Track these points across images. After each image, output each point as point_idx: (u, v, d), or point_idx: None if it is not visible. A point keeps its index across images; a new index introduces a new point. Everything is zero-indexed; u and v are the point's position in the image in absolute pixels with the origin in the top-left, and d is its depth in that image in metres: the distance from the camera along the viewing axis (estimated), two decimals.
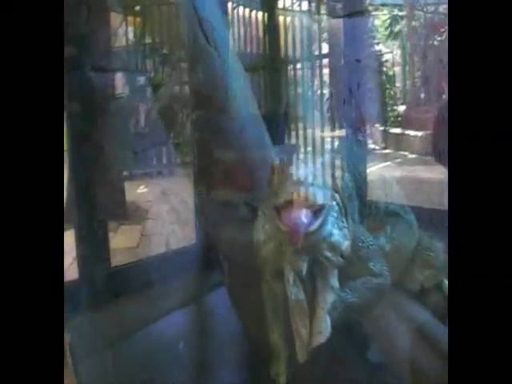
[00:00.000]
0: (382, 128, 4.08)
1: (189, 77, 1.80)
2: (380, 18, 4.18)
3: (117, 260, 2.81)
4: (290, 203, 1.25)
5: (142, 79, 4.98)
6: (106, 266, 2.70)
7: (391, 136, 3.97)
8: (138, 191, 4.45)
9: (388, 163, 3.69)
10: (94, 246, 2.62)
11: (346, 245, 1.38)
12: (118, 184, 3.85)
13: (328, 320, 1.38)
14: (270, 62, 3.28)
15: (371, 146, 3.87)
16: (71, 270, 2.72)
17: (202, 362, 1.70)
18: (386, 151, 3.93)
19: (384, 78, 4.02)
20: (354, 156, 1.72)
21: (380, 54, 4.09)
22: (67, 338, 0.72)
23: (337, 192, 1.40)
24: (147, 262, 2.98)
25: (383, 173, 3.41)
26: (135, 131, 4.61)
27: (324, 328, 1.37)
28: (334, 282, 1.39)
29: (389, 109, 4.02)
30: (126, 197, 3.95)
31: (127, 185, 4.03)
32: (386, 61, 4.08)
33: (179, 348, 1.71)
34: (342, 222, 1.39)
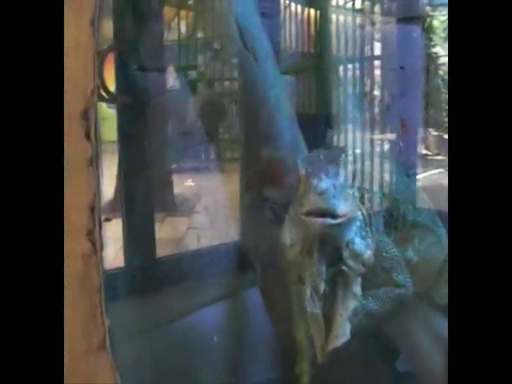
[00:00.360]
0: (436, 133, 4.00)
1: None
2: (438, 19, 4.08)
3: (162, 251, 2.86)
4: (311, 213, 1.28)
5: (193, 73, 5.06)
6: (151, 255, 2.76)
7: (445, 141, 3.88)
8: (186, 184, 4.51)
9: (441, 170, 3.61)
10: (140, 236, 2.68)
11: (368, 254, 1.41)
12: (166, 176, 3.92)
13: (347, 326, 1.42)
14: (320, 62, 3.27)
15: (423, 151, 3.80)
16: (118, 257, 2.80)
17: (232, 357, 1.73)
18: (439, 157, 3.86)
19: (440, 81, 3.91)
20: (393, 165, 1.72)
21: (436, 57, 3.99)
22: (107, 322, 0.73)
23: (362, 203, 1.43)
24: (191, 254, 3.03)
25: (434, 179, 3.35)
26: (185, 125, 4.68)
27: (341, 333, 1.41)
28: (357, 289, 1.43)
29: (444, 114, 3.92)
30: (173, 189, 4.02)
31: (175, 177, 4.09)
32: (443, 64, 3.97)
33: (212, 341, 1.75)
34: (366, 231, 1.42)
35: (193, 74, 5.04)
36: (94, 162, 0.67)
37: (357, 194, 1.41)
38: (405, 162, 2.24)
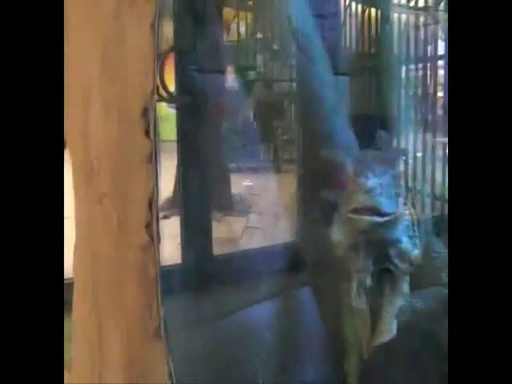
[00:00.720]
0: None
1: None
2: None
3: (219, 249, 2.91)
4: (358, 211, 1.30)
5: (252, 74, 5.10)
6: (208, 253, 2.81)
7: None
8: (244, 184, 4.55)
9: None
10: (197, 233, 2.74)
11: (415, 253, 1.41)
12: (224, 176, 3.97)
13: (393, 322, 1.42)
14: (381, 62, 3.23)
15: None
16: (176, 254, 2.87)
17: (284, 353, 1.75)
18: None
19: None
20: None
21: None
22: (162, 312, 0.76)
23: (410, 203, 1.43)
24: (247, 253, 3.06)
25: None
26: (243, 126, 4.73)
27: (387, 329, 1.42)
28: (405, 287, 1.43)
29: None
30: (231, 189, 4.07)
31: (234, 177, 4.14)
32: None
33: (264, 336, 1.77)
34: (414, 231, 1.42)
35: (252, 74, 5.09)
36: (153, 159, 0.70)
37: (404, 194, 1.40)
38: None
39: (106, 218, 0.77)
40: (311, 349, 1.76)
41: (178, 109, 2.66)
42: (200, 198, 2.80)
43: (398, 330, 1.42)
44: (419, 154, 3.36)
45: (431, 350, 1.50)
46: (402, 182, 1.40)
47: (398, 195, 1.36)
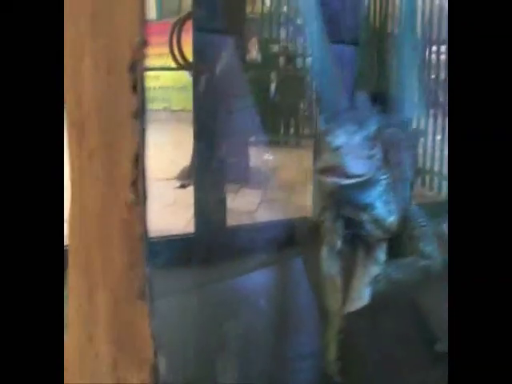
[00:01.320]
0: None
1: None
2: None
3: (233, 220, 2.92)
4: (324, 171, 1.26)
5: (275, 47, 5.03)
6: (221, 224, 2.82)
7: None
8: (263, 158, 4.53)
9: None
10: (210, 204, 2.73)
11: (390, 220, 1.38)
12: (242, 148, 3.95)
13: (365, 290, 1.38)
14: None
15: None
16: (190, 224, 2.88)
17: (276, 322, 1.75)
18: None
19: None
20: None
21: None
22: (147, 272, 0.76)
23: (389, 167, 1.37)
24: (261, 226, 3.06)
25: None
26: (265, 99, 4.69)
27: (357, 297, 1.38)
28: (381, 255, 1.40)
29: None
30: (249, 161, 4.05)
31: (253, 150, 4.12)
32: None
33: (260, 303, 1.77)
34: (389, 196, 1.38)
35: (275, 47, 5.03)
36: (139, 114, 0.69)
37: (379, 157, 1.35)
38: None
39: (94, 174, 0.77)
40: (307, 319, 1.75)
41: (194, 78, 2.65)
42: (215, 169, 2.80)
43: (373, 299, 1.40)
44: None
45: (408, 321, 1.48)
46: (376, 144, 1.35)
47: (371, 157, 1.32)
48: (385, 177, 1.37)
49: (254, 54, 4.89)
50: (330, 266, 1.40)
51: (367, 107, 1.49)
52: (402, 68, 1.63)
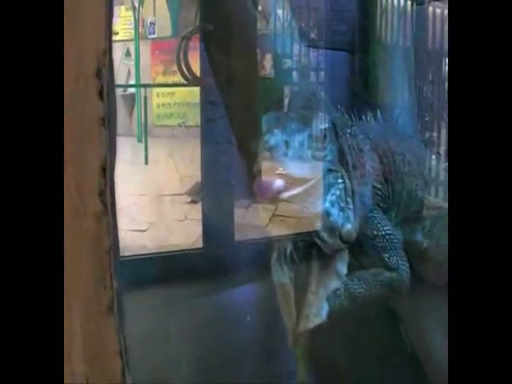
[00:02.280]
0: None
1: None
2: None
3: (243, 235, 2.89)
4: (259, 173, 1.18)
5: (288, 62, 5.02)
6: (230, 238, 2.79)
7: None
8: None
9: None
10: (219, 219, 2.72)
11: (347, 228, 1.27)
12: (254, 163, 3.92)
13: (322, 306, 1.30)
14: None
15: None
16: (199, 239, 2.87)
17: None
18: None
19: None
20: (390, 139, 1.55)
21: None
22: (115, 285, 0.73)
23: (346, 171, 1.27)
24: (270, 241, 3.02)
25: None
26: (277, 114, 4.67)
27: (312, 313, 1.28)
28: (341, 267, 1.29)
29: None
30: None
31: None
32: None
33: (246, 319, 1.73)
34: (347, 202, 1.27)
35: (288, 62, 5.01)
36: (106, 122, 0.67)
37: (330, 158, 1.25)
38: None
39: (67, 184, 0.75)
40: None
41: (201, 93, 2.65)
42: (224, 184, 2.78)
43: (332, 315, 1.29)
44: None
45: (371, 338, 1.39)
46: (327, 145, 1.26)
47: (318, 158, 1.23)
48: (341, 181, 1.28)
49: (267, 69, 4.87)
50: (281, 274, 1.31)
51: (322, 105, 1.39)
52: (394, 74, 1.58)
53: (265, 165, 1.19)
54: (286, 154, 1.16)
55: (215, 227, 2.79)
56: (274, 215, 3.79)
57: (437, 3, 3.09)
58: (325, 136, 1.25)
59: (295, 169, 1.17)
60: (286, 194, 1.16)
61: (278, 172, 1.17)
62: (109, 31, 0.66)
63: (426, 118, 2.66)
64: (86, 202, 0.70)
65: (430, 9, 3.11)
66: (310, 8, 2.72)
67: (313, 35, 2.57)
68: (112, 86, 0.67)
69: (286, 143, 1.16)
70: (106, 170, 0.68)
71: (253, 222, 3.43)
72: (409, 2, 2.83)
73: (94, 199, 0.69)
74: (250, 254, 2.57)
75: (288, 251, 1.30)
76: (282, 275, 1.32)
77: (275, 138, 1.16)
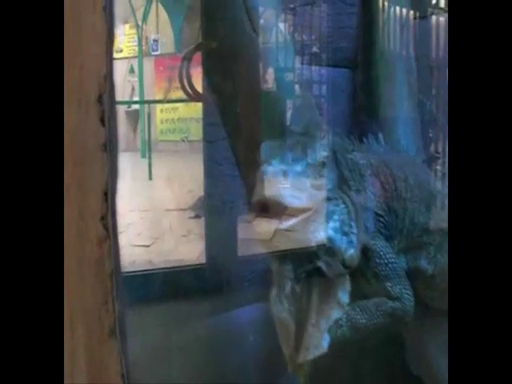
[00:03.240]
0: None
1: None
2: None
3: (246, 250, 2.88)
4: (258, 204, 1.15)
5: (290, 75, 5.05)
6: (232, 254, 2.79)
7: None
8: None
9: None
10: (221, 234, 2.72)
11: (350, 253, 1.23)
12: (257, 177, 3.93)
13: (323, 337, 1.25)
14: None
15: None
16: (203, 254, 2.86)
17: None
18: None
19: None
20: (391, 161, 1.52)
21: None
22: (117, 309, 0.73)
23: (347, 196, 1.25)
24: (274, 255, 3.01)
25: None
26: (280, 127, 4.68)
27: (313, 345, 1.25)
28: (343, 296, 1.25)
29: None
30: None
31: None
32: None
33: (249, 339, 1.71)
34: (350, 227, 1.24)
35: (290, 76, 5.03)
36: (108, 147, 0.67)
37: (330, 187, 1.23)
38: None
39: (70, 207, 0.75)
40: None
41: (204, 109, 2.66)
42: (226, 199, 2.78)
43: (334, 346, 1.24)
44: None
45: (374, 365, 1.35)
46: (326, 174, 1.24)
47: (316, 187, 1.20)
48: (343, 206, 1.25)
49: (269, 83, 4.90)
50: (280, 309, 1.27)
51: (321, 131, 1.36)
52: (396, 91, 1.56)
53: (263, 195, 1.16)
54: (283, 184, 1.14)
55: (218, 242, 2.79)
56: (277, 229, 3.79)
57: (439, 16, 3.11)
58: (324, 164, 1.22)
59: (293, 199, 1.14)
60: (284, 225, 1.14)
61: (275, 201, 1.14)
62: (110, 56, 0.67)
63: (430, 134, 2.64)
64: (88, 227, 0.70)
65: (433, 22, 3.13)
66: (311, 25, 2.73)
67: (313, 52, 2.58)
68: (113, 110, 0.68)
69: (285, 173, 1.13)
70: (108, 195, 0.68)
71: (256, 236, 3.44)
72: (411, 16, 2.85)
73: (95, 224, 0.69)
74: (253, 269, 2.57)
75: (287, 289, 1.26)
76: (282, 310, 1.28)
77: (273, 168, 1.13)
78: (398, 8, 2.72)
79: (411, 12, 2.77)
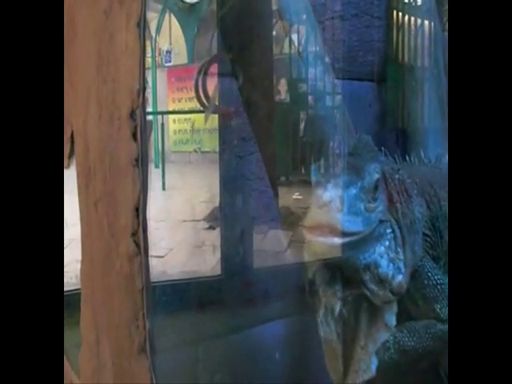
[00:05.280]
0: None
1: None
2: None
3: (261, 262, 2.87)
4: (312, 228, 1.14)
5: (303, 86, 5.07)
6: (248, 265, 2.78)
7: None
8: (293, 197, 4.49)
9: None
10: (237, 245, 2.71)
11: (398, 280, 1.21)
12: (271, 188, 3.92)
13: (371, 360, 1.23)
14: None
15: None
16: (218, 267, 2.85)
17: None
18: None
19: None
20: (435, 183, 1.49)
21: None
22: (148, 325, 0.73)
23: (395, 219, 1.23)
24: (290, 267, 3.00)
25: None
26: (295, 138, 4.69)
27: (361, 368, 1.23)
28: (390, 319, 1.22)
29: None
30: (279, 201, 4.02)
31: (283, 190, 4.09)
32: None
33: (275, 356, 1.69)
34: (397, 253, 1.22)
35: (303, 87, 5.05)
36: (140, 163, 0.67)
37: (381, 209, 1.21)
38: None
39: (99, 223, 0.75)
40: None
41: (220, 120, 2.66)
42: (241, 210, 2.78)
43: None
44: None
45: None
46: (378, 195, 1.22)
47: (370, 210, 1.18)
48: (390, 230, 1.24)
49: (283, 94, 4.91)
50: (328, 331, 1.26)
51: (370, 151, 1.35)
52: (426, 104, 1.53)
53: (316, 220, 1.16)
54: (339, 210, 1.12)
55: (234, 253, 2.78)
56: (291, 241, 3.77)
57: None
58: (376, 186, 1.21)
59: (348, 224, 1.13)
60: (336, 246, 1.13)
61: (331, 226, 1.13)
62: (142, 71, 0.66)
63: None
64: (118, 242, 0.70)
65: None
66: (338, 39, 2.73)
67: (341, 67, 2.57)
68: (145, 125, 0.67)
69: (340, 198, 1.12)
70: (139, 210, 0.68)
71: (271, 248, 3.42)
72: (438, 29, 2.84)
73: (126, 239, 0.69)
74: (269, 281, 2.56)
75: (336, 310, 1.25)
76: (329, 332, 1.27)
77: (329, 193, 1.12)
78: (426, 21, 2.71)
79: (439, 24, 2.75)
